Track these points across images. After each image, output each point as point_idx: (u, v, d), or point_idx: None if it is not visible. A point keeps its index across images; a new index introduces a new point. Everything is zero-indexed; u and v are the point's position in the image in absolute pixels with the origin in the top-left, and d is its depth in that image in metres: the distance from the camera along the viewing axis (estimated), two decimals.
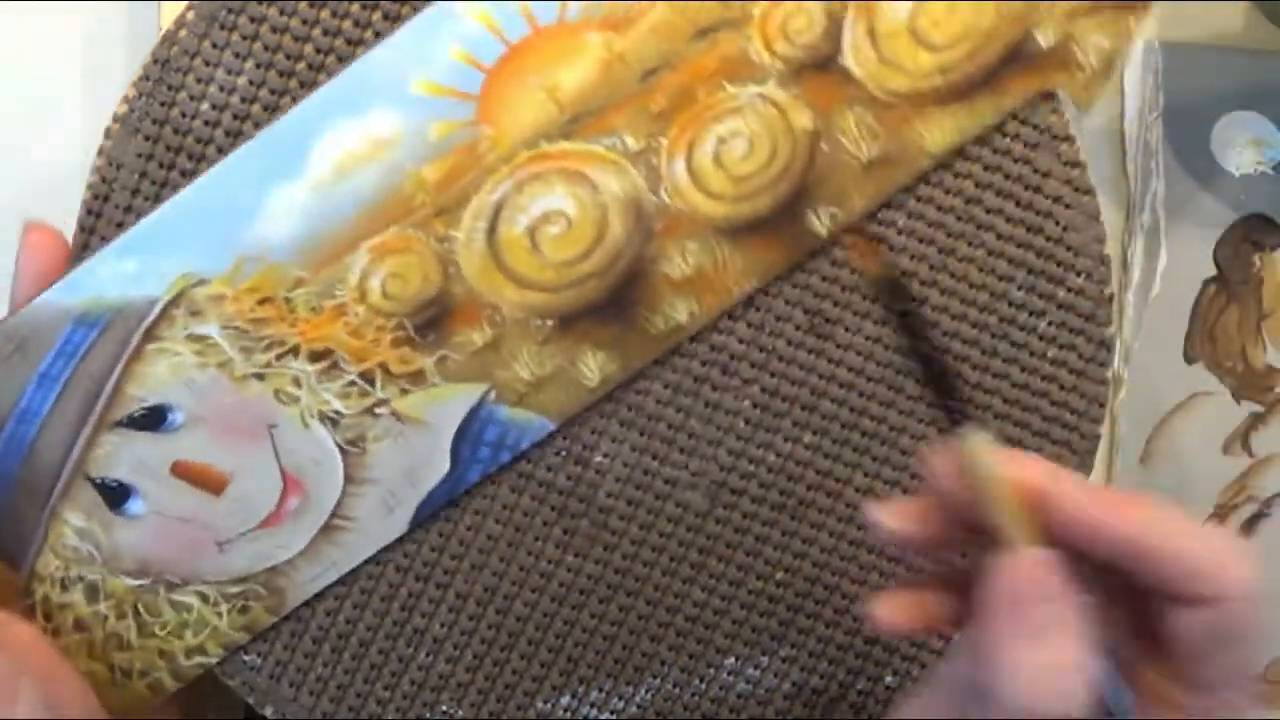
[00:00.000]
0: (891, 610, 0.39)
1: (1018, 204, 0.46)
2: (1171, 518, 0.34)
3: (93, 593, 0.46)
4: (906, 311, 0.42)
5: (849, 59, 0.44)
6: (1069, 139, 0.46)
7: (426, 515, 0.46)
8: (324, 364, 0.45)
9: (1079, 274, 0.47)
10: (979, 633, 0.35)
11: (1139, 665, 0.36)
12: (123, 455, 0.45)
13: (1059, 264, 0.47)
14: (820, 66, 0.44)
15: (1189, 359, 0.58)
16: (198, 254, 0.44)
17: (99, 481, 0.45)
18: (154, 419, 0.44)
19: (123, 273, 0.43)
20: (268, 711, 0.48)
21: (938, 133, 0.45)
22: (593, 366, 0.45)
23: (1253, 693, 0.35)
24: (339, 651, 0.48)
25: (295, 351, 0.44)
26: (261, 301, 0.44)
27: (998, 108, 0.45)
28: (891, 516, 0.38)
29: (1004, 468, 0.36)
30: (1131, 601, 0.36)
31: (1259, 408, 0.58)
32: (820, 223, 0.45)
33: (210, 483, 0.45)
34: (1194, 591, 0.34)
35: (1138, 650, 0.36)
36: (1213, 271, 0.58)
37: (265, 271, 0.44)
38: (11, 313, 0.44)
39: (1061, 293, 0.47)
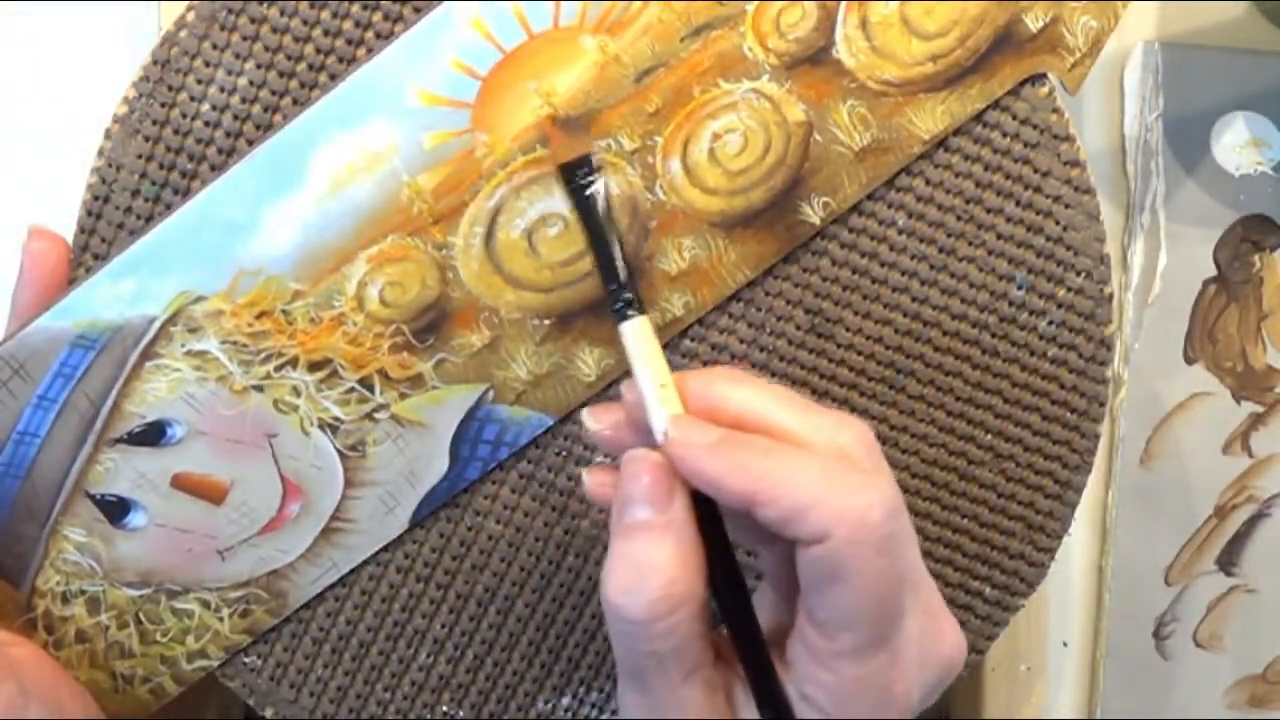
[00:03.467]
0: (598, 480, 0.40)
1: (1018, 204, 0.46)
2: (787, 463, 0.35)
3: (94, 605, 0.46)
4: (584, 192, 0.42)
5: (842, 51, 0.44)
6: (1069, 139, 0.46)
7: (426, 513, 0.46)
8: (323, 373, 0.45)
9: (1079, 274, 0.47)
10: None
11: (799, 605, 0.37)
12: (123, 471, 0.45)
13: (1059, 264, 0.47)
14: (813, 60, 0.44)
15: (1189, 359, 0.58)
16: (195, 271, 0.44)
17: (99, 497, 0.45)
18: (153, 434, 0.45)
19: (120, 294, 0.44)
20: (268, 713, 0.48)
21: (929, 119, 0.45)
22: (590, 363, 0.45)
23: (871, 638, 0.35)
24: (339, 653, 0.47)
25: (294, 362, 0.45)
26: (260, 315, 0.44)
27: (987, 92, 0.45)
28: (592, 417, 0.40)
29: (645, 363, 0.38)
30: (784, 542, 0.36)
31: (1259, 408, 0.58)
32: (814, 212, 0.45)
33: (211, 493, 0.45)
34: (800, 531, 0.35)
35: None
36: (1213, 271, 0.58)
37: (263, 285, 0.44)
38: (10, 334, 0.44)
39: (1061, 292, 0.47)
